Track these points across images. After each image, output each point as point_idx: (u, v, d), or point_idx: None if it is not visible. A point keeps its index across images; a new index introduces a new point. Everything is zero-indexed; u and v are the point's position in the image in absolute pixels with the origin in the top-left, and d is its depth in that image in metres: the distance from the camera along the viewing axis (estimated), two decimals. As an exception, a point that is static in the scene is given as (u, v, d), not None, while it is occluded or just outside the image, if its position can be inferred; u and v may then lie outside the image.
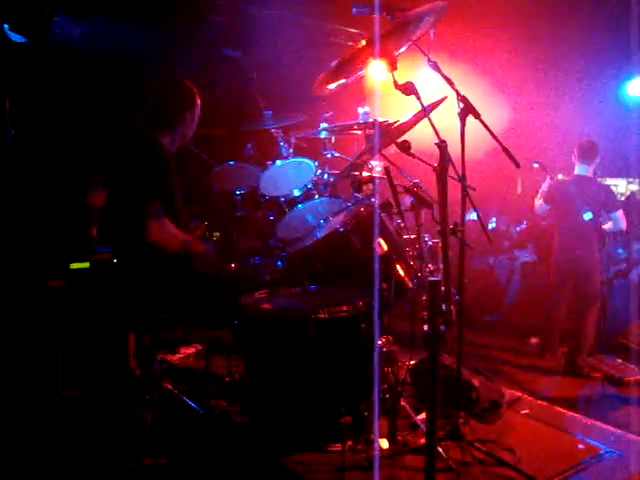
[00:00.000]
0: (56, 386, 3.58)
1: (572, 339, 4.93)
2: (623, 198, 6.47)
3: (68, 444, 3.08)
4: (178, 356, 4.33)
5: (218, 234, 4.33)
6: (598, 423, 3.40)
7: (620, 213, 4.96)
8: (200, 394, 3.43)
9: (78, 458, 2.97)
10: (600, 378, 4.59)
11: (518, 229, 7.08)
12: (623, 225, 5.00)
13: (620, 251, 5.92)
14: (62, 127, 4.53)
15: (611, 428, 3.33)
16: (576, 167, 5.09)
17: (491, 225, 7.31)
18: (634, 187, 7.42)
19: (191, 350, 4.41)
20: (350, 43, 6.63)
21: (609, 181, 6.31)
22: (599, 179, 5.34)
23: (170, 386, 3.35)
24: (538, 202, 5.27)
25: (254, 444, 2.85)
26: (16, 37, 3.82)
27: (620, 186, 6.61)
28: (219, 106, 3.78)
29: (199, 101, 3.31)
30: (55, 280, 3.68)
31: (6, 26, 3.60)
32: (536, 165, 5.29)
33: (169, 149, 3.23)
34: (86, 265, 3.80)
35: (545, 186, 5.23)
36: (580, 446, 3.10)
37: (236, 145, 4.79)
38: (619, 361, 4.79)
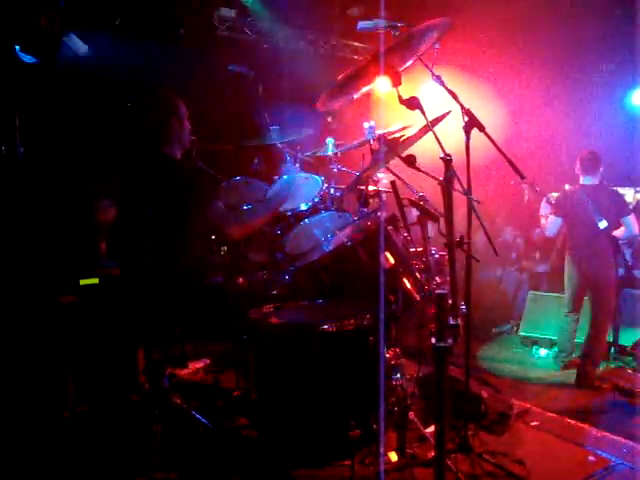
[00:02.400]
0: (66, 401, 3.59)
1: (587, 350, 4.88)
2: (631, 207, 6.46)
3: (78, 459, 3.09)
4: (187, 371, 4.33)
5: (225, 248, 4.35)
6: (608, 435, 3.38)
7: (632, 217, 4.87)
8: (209, 408, 3.44)
9: (88, 473, 2.98)
10: (610, 389, 4.56)
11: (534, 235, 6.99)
12: (636, 230, 4.88)
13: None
14: (71, 144, 4.58)
15: (622, 440, 3.31)
16: (580, 179, 5.06)
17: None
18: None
19: (200, 364, 4.42)
20: (355, 57, 6.71)
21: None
22: (608, 187, 5.31)
23: (179, 401, 3.36)
24: (549, 219, 5.12)
25: (263, 458, 2.86)
26: (26, 57, 3.88)
27: (628, 195, 6.61)
28: (226, 121, 3.81)
29: (182, 105, 3.37)
30: (65, 296, 3.71)
31: (17, 47, 3.66)
32: (524, 186, 5.25)
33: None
34: (95, 281, 3.83)
35: (546, 206, 5.13)
36: (591, 458, 3.08)
37: (243, 160, 4.82)
38: (629, 371, 4.77)
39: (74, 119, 4.62)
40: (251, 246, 4.42)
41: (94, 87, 4.70)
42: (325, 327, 2.71)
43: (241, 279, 3.96)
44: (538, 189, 5.26)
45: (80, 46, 4.54)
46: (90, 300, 3.76)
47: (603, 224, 4.81)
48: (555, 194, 5.24)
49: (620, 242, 5.03)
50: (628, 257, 5.33)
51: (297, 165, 4.37)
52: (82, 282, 3.79)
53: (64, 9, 3.84)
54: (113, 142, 4.60)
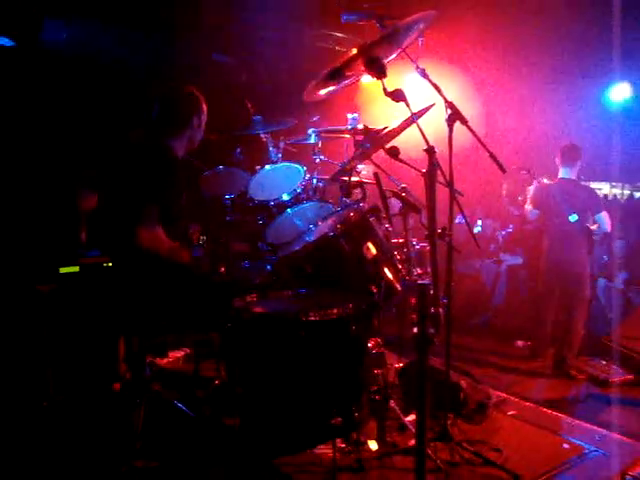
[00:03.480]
0: (46, 390, 3.57)
1: (562, 341, 4.99)
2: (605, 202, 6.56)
3: (59, 448, 3.08)
4: (167, 360, 4.33)
5: (205, 238, 4.34)
6: (583, 423, 3.47)
7: (605, 214, 5.03)
8: (190, 397, 3.45)
9: (69, 462, 2.97)
10: (585, 379, 4.66)
11: (504, 233, 7.15)
12: (608, 227, 5.07)
13: (605, 257, 6.01)
14: (51, 130, 4.52)
15: (595, 428, 3.40)
16: (560, 170, 5.19)
17: (477, 229, 7.38)
18: (617, 190, 7.54)
19: (180, 354, 4.42)
20: (337, 48, 6.69)
21: (593, 185, 6.41)
22: (583, 183, 5.44)
23: (160, 389, 3.36)
24: (528, 207, 5.35)
25: (245, 446, 2.87)
26: (4, 41, 3.82)
27: (604, 189, 6.71)
28: (208, 111, 3.80)
29: (205, 106, 3.35)
30: (44, 284, 3.67)
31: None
32: (524, 172, 5.39)
33: (177, 154, 3.26)
34: (76, 269, 3.80)
35: (532, 191, 5.31)
36: (565, 446, 3.16)
37: (225, 150, 4.80)
38: (603, 362, 4.86)
39: (54, 105, 4.56)
40: (233, 236, 4.42)
41: (75, 73, 4.64)
42: (308, 316, 2.72)
43: (223, 269, 3.96)
44: (524, 172, 5.41)
45: (61, 31, 4.47)
46: (70, 288, 3.73)
47: (573, 218, 4.98)
48: (547, 180, 5.35)
49: (594, 238, 5.17)
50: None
51: (280, 155, 4.37)
52: (62, 270, 3.76)
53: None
54: (95, 129, 4.56)
